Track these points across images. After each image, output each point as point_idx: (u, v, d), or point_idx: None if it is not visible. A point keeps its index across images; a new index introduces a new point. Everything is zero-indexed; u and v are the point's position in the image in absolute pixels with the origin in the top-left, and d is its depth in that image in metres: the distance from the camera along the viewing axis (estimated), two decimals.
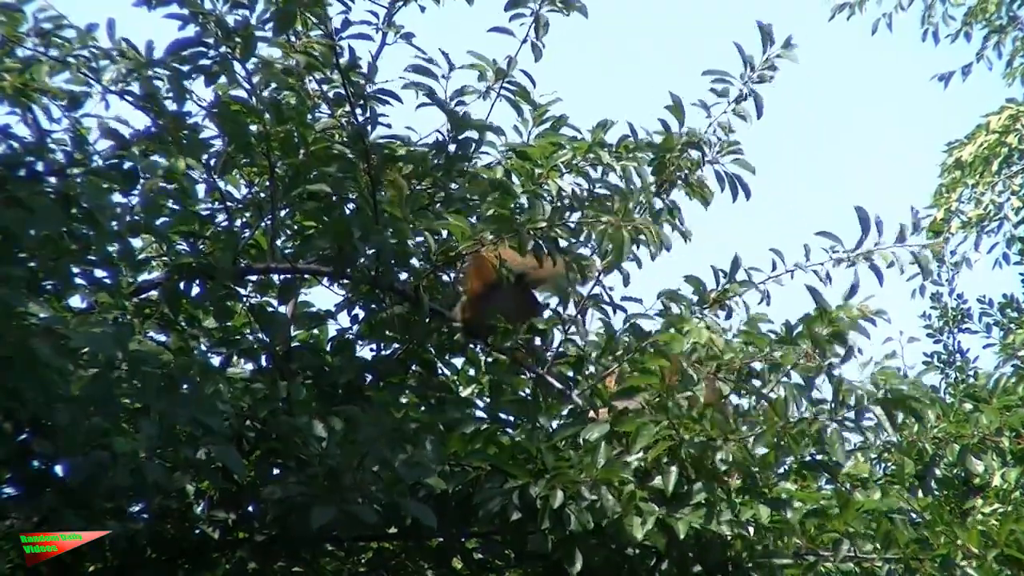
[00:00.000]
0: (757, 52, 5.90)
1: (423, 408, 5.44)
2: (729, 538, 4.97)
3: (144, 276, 5.38)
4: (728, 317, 5.62)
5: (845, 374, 5.13)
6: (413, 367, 5.74)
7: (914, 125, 21.59)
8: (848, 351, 5.05)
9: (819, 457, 5.40)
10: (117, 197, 4.98)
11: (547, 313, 5.75)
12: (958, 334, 12.78)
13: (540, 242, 5.45)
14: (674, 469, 4.92)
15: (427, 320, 5.63)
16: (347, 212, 5.54)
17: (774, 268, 5.71)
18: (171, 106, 5.17)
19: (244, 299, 5.54)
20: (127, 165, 5.03)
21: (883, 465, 6.19)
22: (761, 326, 5.32)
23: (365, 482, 4.70)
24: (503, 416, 5.53)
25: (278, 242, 5.60)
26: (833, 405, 5.09)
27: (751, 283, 5.69)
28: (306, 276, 5.66)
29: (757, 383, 5.14)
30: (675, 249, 5.72)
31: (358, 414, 4.89)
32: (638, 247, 5.54)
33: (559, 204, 5.76)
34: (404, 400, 5.54)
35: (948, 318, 12.79)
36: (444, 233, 5.64)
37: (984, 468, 5.89)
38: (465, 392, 6.01)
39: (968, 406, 5.99)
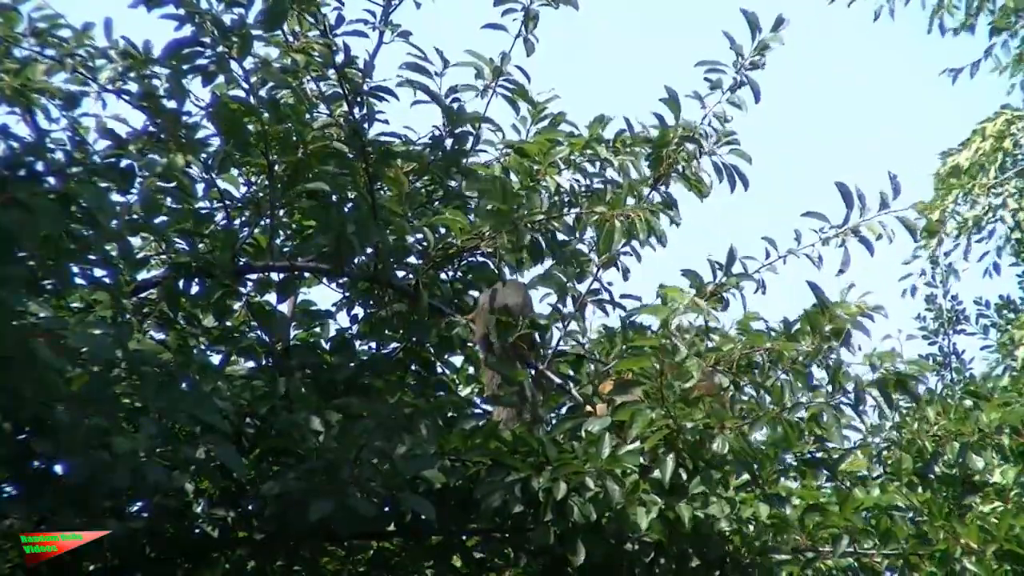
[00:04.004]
0: (747, 40, 5.92)
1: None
2: (728, 533, 4.97)
3: (143, 275, 5.38)
4: (725, 309, 5.63)
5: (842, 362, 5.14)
6: (412, 366, 5.75)
7: (914, 121, 21.67)
8: (846, 336, 5.04)
9: (819, 454, 5.41)
10: (115, 196, 4.98)
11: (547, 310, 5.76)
12: (953, 336, 12.81)
13: (537, 237, 5.46)
14: (671, 458, 4.92)
15: (426, 317, 5.64)
16: (345, 210, 5.54)
17: (767, 256, 5.73)
18: (169, 105, 5.17)
19: (243, 297, 5.54)
20: (124, 163, 5.03)
21: (882, 464, 6.19)
22: (755, 324, 5.32)
23: (363, 476, 4.70)
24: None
25: (277, 240, 5.61)
26: (830, 389, 5.09)
27: (747, 275, 5.70)
28: (305, 274, 5.67)
29: (756, 374, 5.14)
30: (673, 244, 5.74)
31: (354, 403, 4.89)
32: (631, 238, 5.53)
33: (557, 200, 5.77)
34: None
35: (943, 320, 12.81)
36: (443, 230, 5.66)
37: (984, 465, 5.89)
38: (464, 391, 6.02)
39: (968, 403, 5.99)
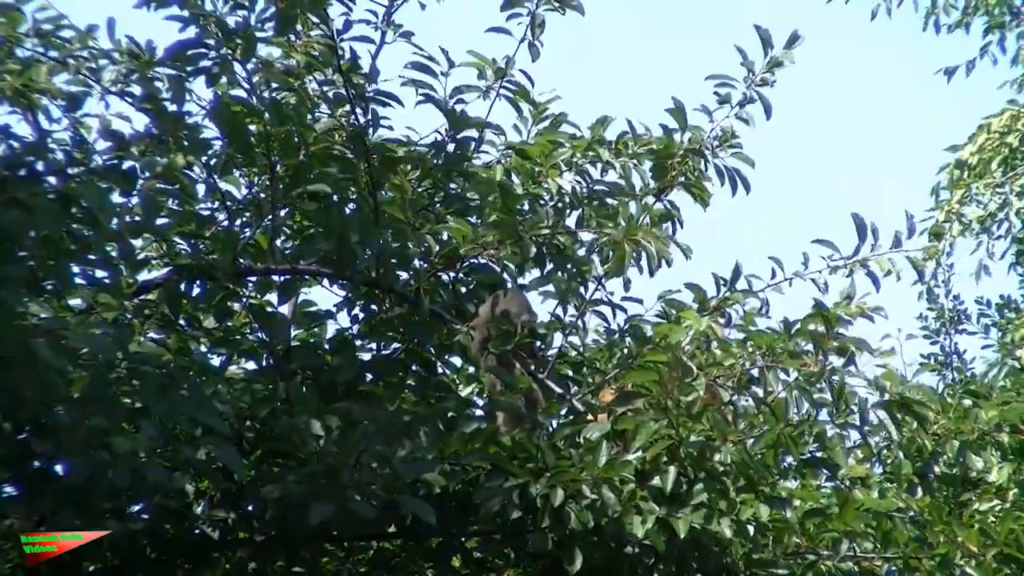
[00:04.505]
0: (758, 55, 5.88)
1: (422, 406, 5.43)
2: (729, 539, 4.96)
3: (144, 276, 5.37)
4: (728, 324, 5.61)
5: (846, 373, 5.12)
6: (413, 367, 5.74)
7: (914, 123, 21.65)
8: (850, 356, 5.04)
9: (819, 455, 5.40)
10: (116, 197, 4.98)
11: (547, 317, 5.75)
12: (955, 335, 12.78)
13: (542, 249, 5.46)
14: (673, 468, 4.92)
15: (427, 320, 5.63)
16: (347, 213, 5.54)
17: (773, 276, 5.72)
18: (171, 107, 5.17)
19: (244, 299, 5.53)
20: (126, 165, 5.03)
21: (882, 464, 6.18)
22: (759, 322, 5.32)
23: (363, 479, 4.70)
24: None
25: (278, 242, 5.60)
26: (834, 408, 5.08)
27: (751, 291, 5.69)
28: (306, 276, 5.66)
29: (757, 389, 5.13)
30: (676, 251, 5.72)
31: (354, 409, 4.89)
32: (639, 259, 5.52)
33: (559, 204, 5.77)
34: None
35: (945, 320, 12.79)
36: (445, 235, 5.65)
37: (983, 463, 5.89)
38: (465, 392, 6.02)
39: (967, 402, 5.99)
